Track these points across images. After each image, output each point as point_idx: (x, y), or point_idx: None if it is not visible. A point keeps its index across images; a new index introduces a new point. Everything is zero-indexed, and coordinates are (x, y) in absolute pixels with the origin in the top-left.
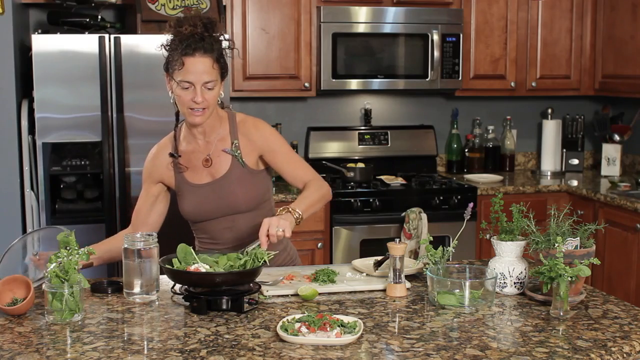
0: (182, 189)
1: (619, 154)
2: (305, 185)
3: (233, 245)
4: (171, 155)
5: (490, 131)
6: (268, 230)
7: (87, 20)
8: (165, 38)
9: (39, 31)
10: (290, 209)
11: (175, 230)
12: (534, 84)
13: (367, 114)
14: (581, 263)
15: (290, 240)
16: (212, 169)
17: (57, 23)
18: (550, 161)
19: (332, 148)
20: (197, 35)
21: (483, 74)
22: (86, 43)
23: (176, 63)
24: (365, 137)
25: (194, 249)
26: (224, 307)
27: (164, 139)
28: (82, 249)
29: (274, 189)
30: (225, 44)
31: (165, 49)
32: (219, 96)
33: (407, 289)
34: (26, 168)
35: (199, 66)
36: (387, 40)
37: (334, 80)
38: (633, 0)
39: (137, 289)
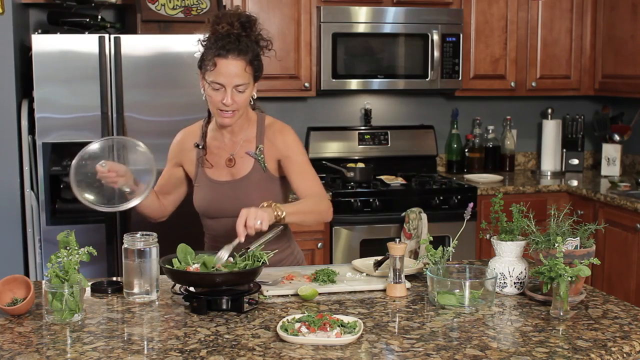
0: (200, 182)
1: (619, 154)
2: (307, 197)
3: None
4: (196, 146)
5: (490, 131)
6: (246, 222)
7: (87, 20)
8: (203, 34)
9: (39, 31)
10: (273, 205)
11: (176, 230)
12: (534, 84)
13: (367, 114)
14: (581, 263)
15: (295, 241)
16: (234, 168)
17: (57, 23)
18: (550, 161)
19: (332, 148)
20: (233, 35)
21: (483, 74)
22: (86, 43)
23: (209, 63)
24: (365, 137)
25: (202, 246)
26: (224, 307)
27: (191, 126)
28: (82, 249)
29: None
30: (263, 43)
31: (202, 45)
32: (252, 97)
33: (407, 289)
34: (26, 168)
35: (231, 69)
36: (387, 40)
37: (334, 80)
38: (633, 0)
39: (137, 289)
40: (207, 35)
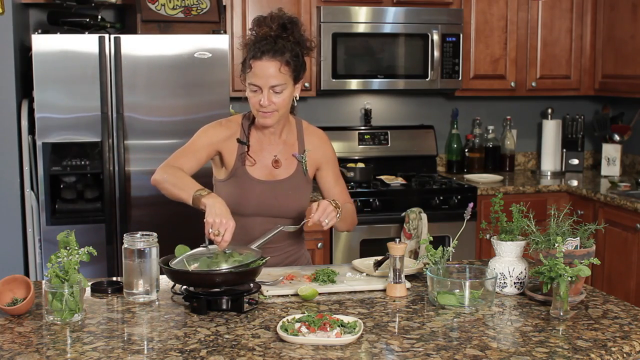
0: (238, 178)
1: (619, 154)
2: (344, 205)
3: (264, 247)
4: (239, 141)
5: (490, 131)
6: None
7: (87, 20)
8: (245, 39)
9: (39, 31)
10: (339, 208)
11: (176, 230)
12: (534, 84)
13: (367, 114)
14: (581, 263)
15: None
16: (277, 170)
17: (57, 23)
18: (550, 161)
19: None
20: (270, 37)
21: (483, 74)
22: (86, 43)
23: (246, 66)
24: (365, 137)
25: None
26: (224, 307)
27: (227, 119)
28: (82, 249)
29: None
30: (307, 44)
31: (244, 48)
32: (294, 99)
33: (407, 289)
34: (26, 168)
35: (266, 70)
36: (387, 40)
37: (334, 80)
38: (633, 0)
39: (137, 289)
40: (247, 39)
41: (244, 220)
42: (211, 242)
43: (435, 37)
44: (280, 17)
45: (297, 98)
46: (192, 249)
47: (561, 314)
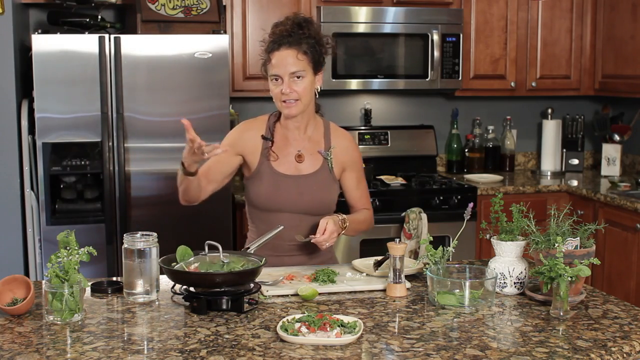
0: (263, 174)
1: (619, 154)
2: (359, 211)
3: (290, 244)
4: (264, 138)
5: (490, 131)
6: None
7: (87, 20)
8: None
9: (39, 31)
10: (344, 222)
11: (176, 230)
12: (534, 84)
13: (367, 114)
14: (581, 263)
15: None
16: (302, 164)
17: (57, 23)
18: (550, 161)
19: None
20: (286, 32)
21: (483, 74)
22: (86, 43)
23: (266, 61)
24: (365, 137)
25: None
26: (224, 307)
27: (252, 119)
28: (82, 249)
29: None
30: (323, 40)
31: (265, 52)
32: (315, 91)
33: (407, 289)
34: (26, 168)
35: (283, 59)
36: (387, 40)
37: (334, 80)
38: (633, 0)
39: (137, 289)
40: (266, 41)
41: (272, 217)
42: (210, 248)
43: (435, 37)
44: (295, 18)
45: (319, 90)
46: (192, 249)
47: (561, 314)
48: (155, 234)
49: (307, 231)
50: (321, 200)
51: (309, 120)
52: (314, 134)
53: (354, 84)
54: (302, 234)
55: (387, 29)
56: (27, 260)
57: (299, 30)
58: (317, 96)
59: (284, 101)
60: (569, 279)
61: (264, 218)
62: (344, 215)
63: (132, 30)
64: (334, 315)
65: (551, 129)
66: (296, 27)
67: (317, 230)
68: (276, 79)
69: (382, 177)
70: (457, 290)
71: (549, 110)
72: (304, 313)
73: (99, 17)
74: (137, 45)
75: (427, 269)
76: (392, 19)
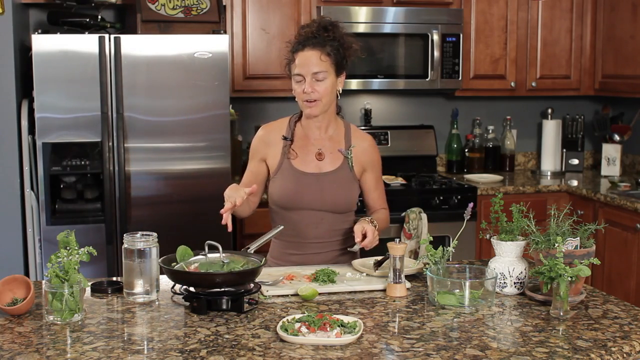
0: (285, 172)
1: (619, 154)
2: (377, 211)
3: (313, 242)
4: (284, 138)
5: (490, 131)
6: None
7: (87, 20)
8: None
9: (39, 31)
10: (375, 224)
11: (176, 230)
12: (534, 84)
13: (367, 114)
14: (581, 263)
15: None
16: (322, 162)
17: (57, 23)
18: (550, 161)
19: None
20: (311, 34)
21: (483, 74)
22: (86, 43)
23: (291, 60)
24: None
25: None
26: (224, 307)
27: (272, 122)
28: (82, 249)
29: None
30: (347, 44)
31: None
32: (337, 92)
33: (407, 289)
34: (26, 168)
35: (307, 59)
36: (387, 40)
37: None
38: (633, 0)
39: (137, 289)
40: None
41: (295, 215)
42: (210, 248)
43: (435, 37)
44: (321, 21)
45: (340, 91)
46: (192, 249)
47: (561, 314)
48: (155, 234)
49: (328, 230)
50: (342, 198)
51: (330, 120)
52: (334, 134)
53: (354, 84)
54: (349, 246)
55: (387, 29)
56: (27, 260)
57: (324, 32)
58: (339, 97)
59: (307, 100)
60: (569, 279)
61: (286, 216)
62: (370, 217)
63: (132, 30)
64: (334, 315)
65: (551, 129)
66: (322, 29)
67: (355, 236)
68: (299, 79)
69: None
70: (457, 290)
71: (549, 110)
72: (304, 313)
73: (99, 17)
74: (137, 45)
75: (427, 269)
76: (392, 19)
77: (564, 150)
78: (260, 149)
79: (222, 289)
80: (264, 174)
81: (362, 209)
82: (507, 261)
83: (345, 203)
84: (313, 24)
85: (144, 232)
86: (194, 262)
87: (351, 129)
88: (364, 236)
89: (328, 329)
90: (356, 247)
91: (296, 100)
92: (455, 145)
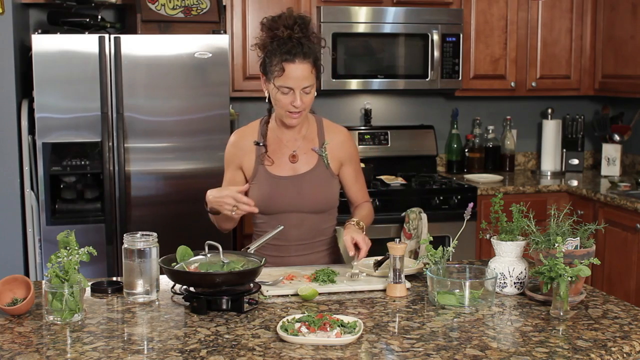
0: (261, 178)
1: (619, 154)
2: (360, 206)
3: (295, 244)
4: (256, 143)
5: (490, 131)
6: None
7: (87, 20)
8: (258, 37)
9: (39, 31)
10: (362, 225)
11: (176, 230)
12: (534, 84)
13: (367, 114)
14: (581, 263)
15: None
16: (297, 164)
17: (57, 23)
18: (550, 161)
19: None
20: (295, 39)
21: (483, 74)
22: (86, 43)
23: (275, 68)
24: (365, 137)
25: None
26: (224, 307)
27: (243, 128)
28: (82, 249)
29: None
30: (322, 43)
31: (260, 49)
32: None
33: (407, 289)
34: (26, 168)
35: (299, 72)
36: (387, 40)
37: (334, 80)
38: (633, 0)
39: (137, 289)
40: (267, 41)
41: (275, 219)
42: (210, 248)
43: (435, 37)
44: (296, 18)
45: (316, 95)
46: (192, 249)
47: (561, 314)
48: (155, 234)
49: (311, 230)
50: (321, 197)
51: (303, 121)
52: (307, 133)
53: (354, 84)
54: (347, 258)
55: (387, 29)
56: (27, 260)
57: (302, 34)
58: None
59: (290, 112)
60: (569, 279)
61: (265, 221)
62: (355, 219)
63: (132, 30)
64: (334, 315)
65: (551, 129)
66: (300, 30)
67: (347, 248)
68: (286, 91)
69: (382, 177)
70: (457, 290)
71: (549, 110)
72: (304, 313)
73: (99, 17)
74: (137, 45)
75: (427, 269)
76: (392, 19)
77: (564, 150)
78: (235, 157)
79: (222, 289)
80: (242, 181)
81: (345, 206)
82: (507, 261)
83: (325, 202)
84: (289, 22)
85: (144, 232)
86: (194, 262)
87: (323, 124)
88: (356, 245)
89: (328, 329)
90: (355, 269)
91: (275, 108)
92: (455, 145)
